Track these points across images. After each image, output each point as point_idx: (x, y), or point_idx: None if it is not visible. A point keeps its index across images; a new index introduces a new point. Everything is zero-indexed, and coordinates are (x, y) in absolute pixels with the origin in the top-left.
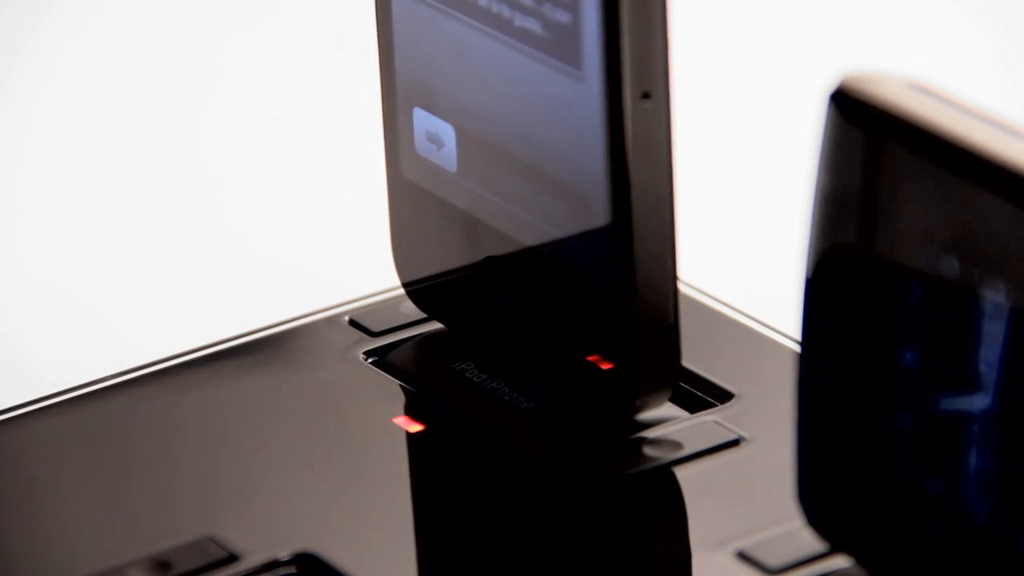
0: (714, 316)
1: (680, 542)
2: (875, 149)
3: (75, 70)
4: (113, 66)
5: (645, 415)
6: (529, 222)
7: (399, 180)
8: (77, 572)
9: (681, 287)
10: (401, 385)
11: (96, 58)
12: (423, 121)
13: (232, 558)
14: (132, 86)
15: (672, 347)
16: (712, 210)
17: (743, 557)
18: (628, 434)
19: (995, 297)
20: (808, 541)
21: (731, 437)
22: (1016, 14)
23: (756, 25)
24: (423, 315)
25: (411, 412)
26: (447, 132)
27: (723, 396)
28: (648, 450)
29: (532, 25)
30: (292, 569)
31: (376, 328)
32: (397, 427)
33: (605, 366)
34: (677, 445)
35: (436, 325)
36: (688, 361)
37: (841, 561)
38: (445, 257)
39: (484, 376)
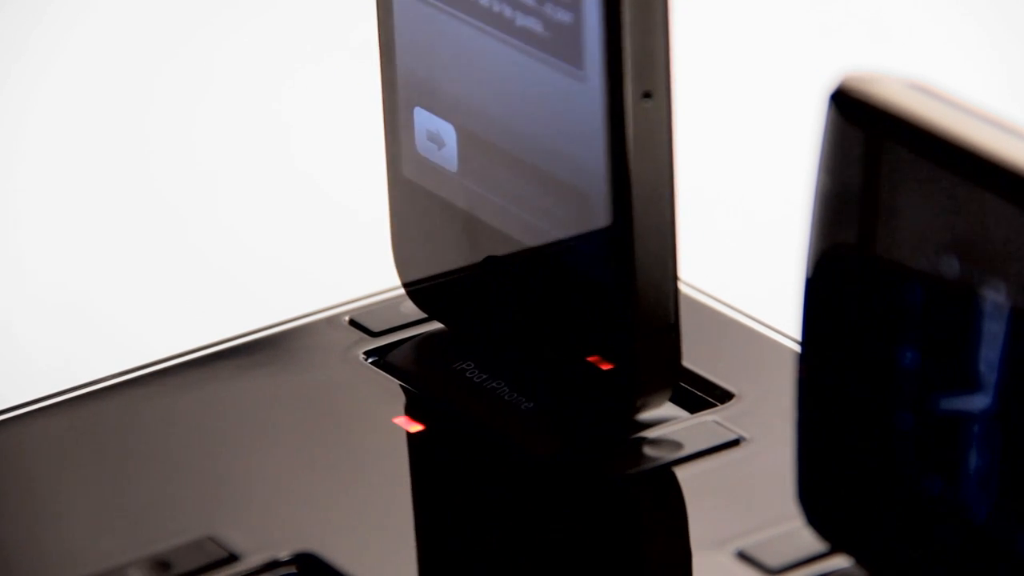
0: (714, 316)
1: (680, 542)
2: (875, 149)
3: (76, 69)
4: (114, 66)
5: (645, 415)
6: (529, 222)
7: (399, 180)
8: (77, 572)
9: (681, 287)
10: (401, 385)
11: (97, 58)
12: (424, 121)
13: (232, 558)
14: (133, 85)
15: (672, 347)
16: (712, 210)
17: (743, 557)
18: (628, 434)
19: (995, 297)
20: (808, 541)
21: (731, 437)
22: (1016, 14)
23: (756, 25)
24: (423, 315)
25: (411, 412)
26: (448, 132)
27: (723, 396)
28: (648, 450)
29: (533, 25)
30: (292, 569)
31: (376, 328)
32: (397, 427)
33: (605, 366)
34: (677, 445)
35: (436, 325)
36: (688, 361)
37: (841, 561)
38: (445, 257)
39: (484, 376)
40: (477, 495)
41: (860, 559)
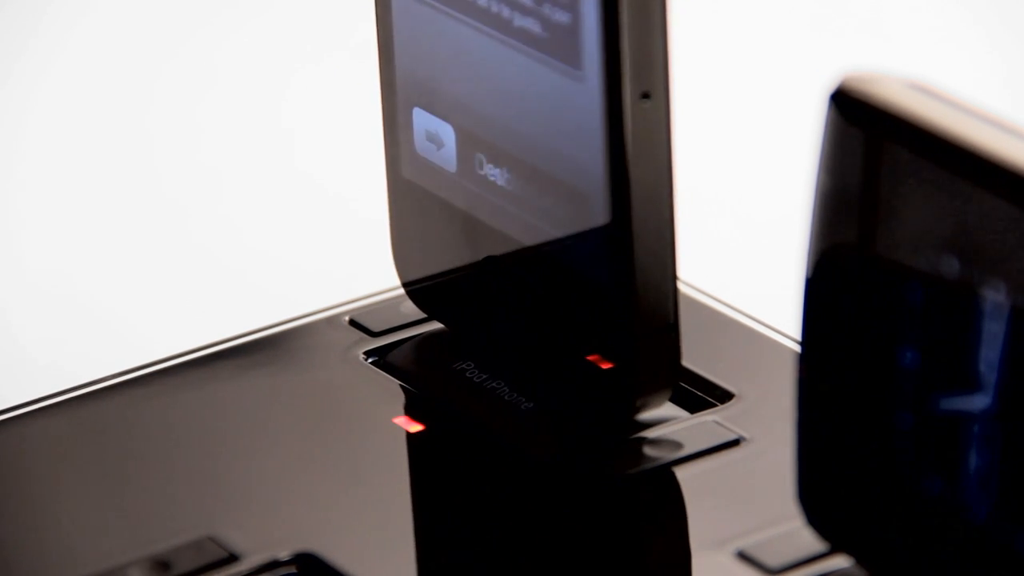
0: (714, 316)
1: (680, 542)
2: (875, 149)
3: (77, 69)
4: (115, 65)
5: (645, 415)
6: (529, 222)
7: (399, 180)
8: (77, 572)
9: (681, 287)
10: (401, 385)
11: (98, 57)
12: (423, 121)
13: (232, 558)
14: (134, 85)
15: (672, 347)
16: (712, 210)
17: (743, 557)
18: (628, 434)
19: (995, 297)
20: (808, 541)
21: (731, 437)
22: (1016, 14)
23: (756, 25)
24: (423, 315)
25: (411, 412)
26: (447, 132)
27: (723, 396)
28: (648, 450)
29: (531, 25)
30: (292, 569)
31: (376, 328)
32: (397, 427)
33: (605, 365)
34: (677, 445)
35: (436, 325)
36: (688, 361)
37: (841, 561)
38: (445, 257)
39: (484, 376)
40: (477, 495)
41: (860, 559)
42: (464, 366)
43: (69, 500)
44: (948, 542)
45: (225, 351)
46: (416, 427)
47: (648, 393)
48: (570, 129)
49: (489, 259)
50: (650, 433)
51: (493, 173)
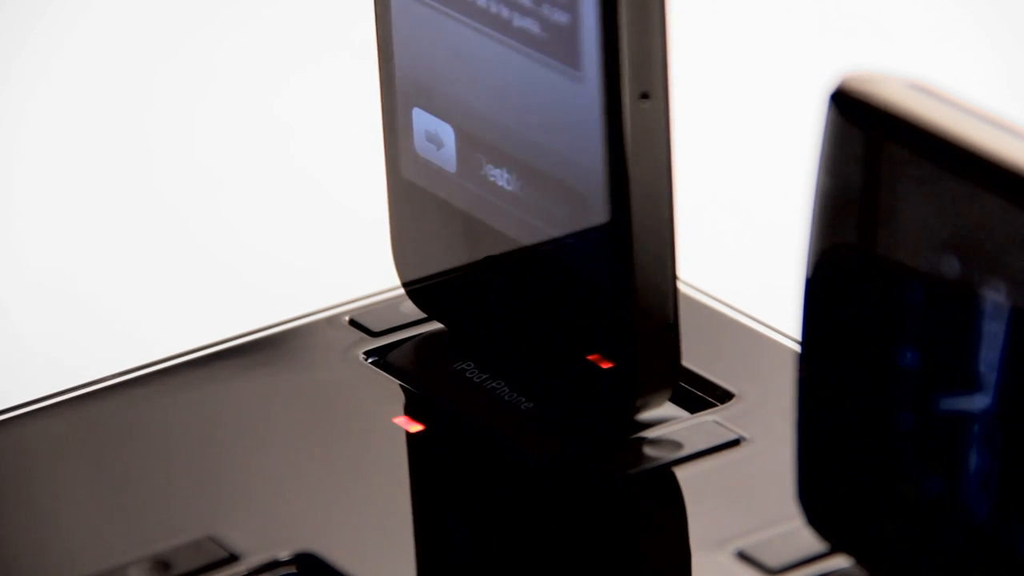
0: (714, 316)
1: (680, 542)
2: (875, 149)
3: (77, 69)
4: (115, 66)
5: (645, 415)
6: (529, 222)
7: (399, 180)
8: (77, 572)
9: (681, 287)
10: (401, 385)
11: (98, 57)
12: (422, 121)
13: (232, 558)
14: (134, 85)
15: (672, 347)
16: (712, 210)
17: (743, 557)
18: (628, 434)
19: (995, 297)
20: (808, 541)
21: (731, 437)
22: (1016, 15)
23: (756, 25)
24: (423, 315)
25: (411, 412)
26: (446, 132)
27: (723, 396)
28: (648, 450)
29: (531, 25)
30: (292, 569)
31: (376, 328)
32: (397, 427)
33: (605, 365)
34: (677, 445)
35: (436, 325)
36: (688, 361)
37: (841, 561)
38: (445, 257)
39: (484, 376)
40: (477, 495)
41: (860, 559)
42: (464, 366)
43: (69, 500)
44: (948, 542)
45: (225, 351)
46: (416, 427)
47: (648, 393)
48: (570, 129)
49: (489, 259)
50: (650, 433)
51: (493, 173)
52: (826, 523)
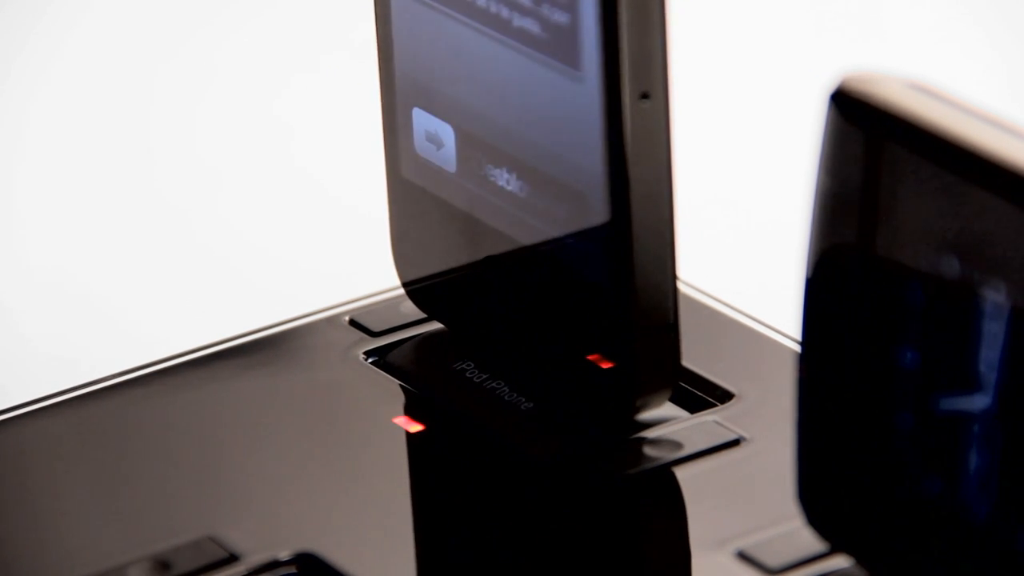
0: (714, 316)
1: (680, 542)
2: (875, 149)
3: (77, 69)
4: (115, 65)
5: (645, 415)
6: (529, 222)
7: (399, 180)
8: (77, 572)
9: (681, 287)
10: (401, 385)
11: (98, 57)
12: (422, 121)
13: (232, 558)
14: (134, 84)
15: (672, 347)
16: (712, 210)
17: (743, 557)
18: (628, 434)
19: (995, 297)
20: (808, 541)
21: (731, 437)
22: (1016, 15)
23: (756, 25)
24: (423, 315)
25: (411, 412)
26: (446, 132)
27: (723, 396)
28: (648, 450)
29: (530, 25)
30: (292, 569)
31: (376, 328)
32: (397, 427)
33: (605, 365)
34: (677, 445)
35: (436, 325)
36: (688, 361)
37: (841, 561)
38: (445, 257)
39: (484, 376)
40: (477, 495)
41: (860, 559)
42: (464, 366)
43: (69, 500)
44: (948, 542)
45: (225, 351)
46: (416, 427)
47: (648, 393)
48: (570, 129)
49: (489, 259)
50: (650, 433)
51: (493, 173)
52: (826, 523)
